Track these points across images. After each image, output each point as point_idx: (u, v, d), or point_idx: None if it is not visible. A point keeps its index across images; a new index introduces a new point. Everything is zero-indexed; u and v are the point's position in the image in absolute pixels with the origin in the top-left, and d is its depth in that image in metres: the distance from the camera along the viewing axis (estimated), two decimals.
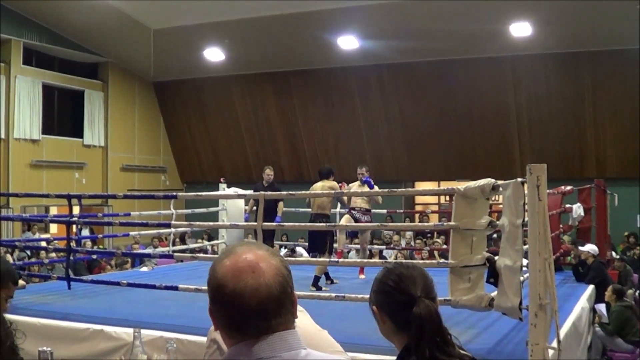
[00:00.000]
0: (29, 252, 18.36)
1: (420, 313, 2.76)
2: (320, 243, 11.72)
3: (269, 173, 14.30)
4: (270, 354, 2.04)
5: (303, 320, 3.25)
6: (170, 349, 4.87)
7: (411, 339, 2.75)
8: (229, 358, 2.10)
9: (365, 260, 12.83)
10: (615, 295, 12.26)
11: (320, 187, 12.04)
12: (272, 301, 2.06)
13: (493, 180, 6.72)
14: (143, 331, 5.94)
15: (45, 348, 4.68)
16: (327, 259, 11.13)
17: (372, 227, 12.97)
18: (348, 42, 23.67)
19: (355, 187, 12.64)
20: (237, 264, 2.08)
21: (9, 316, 3.01)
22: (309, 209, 12.72)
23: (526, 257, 6.36)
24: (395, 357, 2.87)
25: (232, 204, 14.76)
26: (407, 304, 2.79)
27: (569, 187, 12.51)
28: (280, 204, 13.61)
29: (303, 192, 11.18)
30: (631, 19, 19.10)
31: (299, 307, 3.38)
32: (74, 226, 12.56)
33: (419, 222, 20.67)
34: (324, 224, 11.23)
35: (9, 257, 17.56)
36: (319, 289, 11.10)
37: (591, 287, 11.91)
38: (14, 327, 2.71)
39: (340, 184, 12.71)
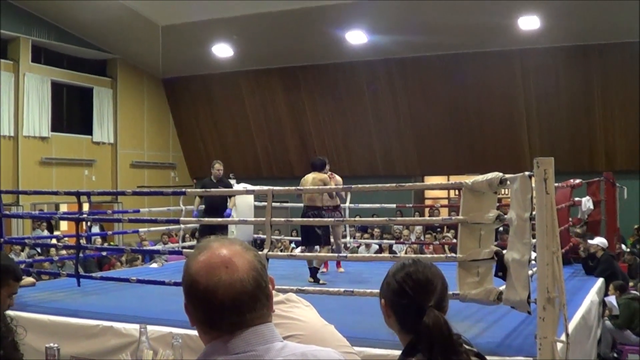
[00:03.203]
0: (38, 250, 18.39)
1: (429, 324, 2.74)
2: (311, 236, 11.63)
3: (218, 168, 13.74)
4: (245, 349, 2.03)
5: (309, 314, 3.26)
6: (176, 344, 4.87)
7: (421, 345, 2.73)
8: (204, 355, 2.10)
9: (374, 255, 12.76)
10: (618, 291, 12.27)
11: (311, 179, 11.84)
12: (246, 296, 2.06)
13: (500, 174, 6.69)
14: (152, 327, 5.96)
15: (52, 344, 4.70)
16: (335, 254, 11.12)
17: (380, 221, 12.91)
18: (356, 37, 23.69)
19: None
20: (210, 260, 2.08)
21: (15, 313, 3.02)
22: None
23: (534, 251, 6.35)
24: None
25: (241, 200, 14.71)
26: (417, 311, 2.78)
27: (577, 181, 12.48)
28: (233, 199, 13.44)
29: (312, 187, 11.21)
30: None
31: (305, 302, 3.41)
32: (84, 223, 12.60)
33: (429, 216, 20.66)
34: (332, 219, 11.24)
35: (22, 255, 17.67)
36: (317, 281, 11.03)
37: (601, 280, 11.86)
38: (15, 323, 2.71)
39: (329, 174, 12.46)
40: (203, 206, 13.53)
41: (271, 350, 2.05)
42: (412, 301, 2.80)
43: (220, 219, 12.11)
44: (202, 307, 2.07)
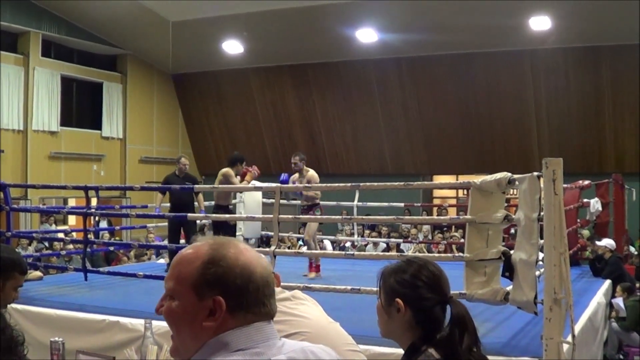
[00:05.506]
0: (46, 244, 18.42)
1: (462, 313, 2.76)
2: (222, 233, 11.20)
3: (184, 162, 13.29)
4: (248, 345, 1.99)
5: (315, 312, 3.26)
6: None
7: (449, 339, 2.73)
8: (202, 355, 2.01)
9: (382, 253, 12.69)
10: (626, 293, 12.24)
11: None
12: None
13: (509, 174, 6.68)
14: (158, 323, 5.94)
15: (57, 338, 4.70)
16: (342, 252, 11.10)
17: (388, 220, 12.85)
18: (367, 35, 23.64)
19: (296, 178, 12.15)
20: (247, 251, 2.08)
21: (22, 306, 3.02)
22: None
23: (542, 251, 6.34)
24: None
25: (250, 197, 14.70)
26: (440, 303, 2.80)
27: (586, 182, 12.47)
28: (200, 196, 13.27)
29: (321, 184, 11.20)
30: None
31: (311, 299, 3.41)
32: (92, 218, 12.61)
33: (438, 215, 20.61)
34: (341, 217, 11.21)
35: (30, 249, 17.71)
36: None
37: (608, 282, 11.84)
38: (14, 322, 2.70)
39: (246, 169, 12.39)
40: (168, 204, 13.17)
41: (272, 347, 2.02)
42: (434, 293, 2.82)
43: (227, 215, 12.09)
44: (259, 293, 2.05)
